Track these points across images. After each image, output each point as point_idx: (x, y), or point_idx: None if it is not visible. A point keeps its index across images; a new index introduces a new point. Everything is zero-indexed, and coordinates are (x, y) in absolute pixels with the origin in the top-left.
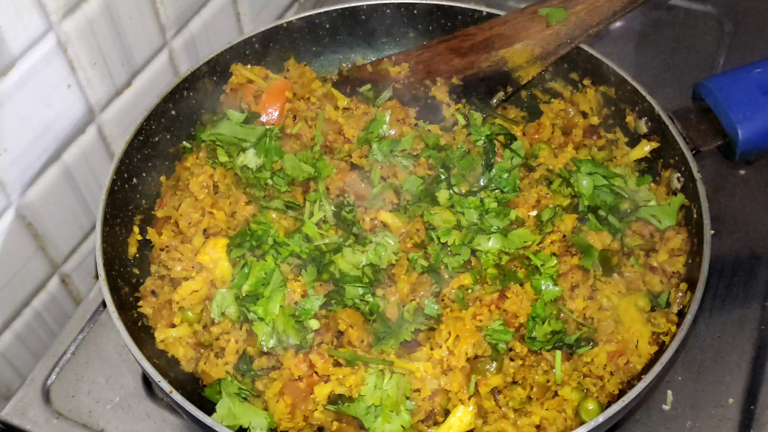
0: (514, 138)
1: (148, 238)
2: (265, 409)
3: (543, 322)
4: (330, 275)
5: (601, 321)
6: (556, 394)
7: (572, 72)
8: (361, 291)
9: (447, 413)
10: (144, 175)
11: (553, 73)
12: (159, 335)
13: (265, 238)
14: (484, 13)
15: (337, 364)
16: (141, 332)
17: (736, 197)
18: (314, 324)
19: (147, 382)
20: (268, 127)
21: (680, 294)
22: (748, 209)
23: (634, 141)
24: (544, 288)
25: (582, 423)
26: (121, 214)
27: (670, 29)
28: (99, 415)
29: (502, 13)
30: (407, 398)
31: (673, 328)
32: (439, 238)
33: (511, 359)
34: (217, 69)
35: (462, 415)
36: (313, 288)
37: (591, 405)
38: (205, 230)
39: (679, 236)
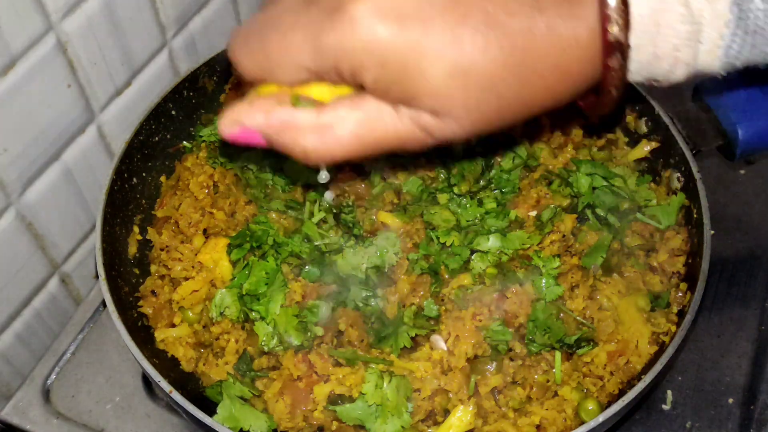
0: (514, 138)
1: (148, 238)
2: (265, 410)
3: (544, 333)
4: (334, 277)
5: (601, 321)
6: (556, 394)
7: None
8: (364, 294)
9: (447, 413)
10: (144, 175)
11: None
12: (159, 335)
13: (265, 238)
14: None
15: (337, 363)
16: (141, 332)
17: (736, 197)
18: (319, 331)
19: (147, 382)
20: None
21: (680, 294)
22: (748, 209)
23: (634, 141)
24: (545, 289)
25: (582, 423)
26: (121, 214)
27: None
28: (99, 415)
29: None
30: (407, 399)
31: (673, 328)
32: (438, 238)
33: (511, 359)
34: (217, 69)
35: (462, 415)
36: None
37: (591, 405)
38: (205, 230)
39: (679, 236)
